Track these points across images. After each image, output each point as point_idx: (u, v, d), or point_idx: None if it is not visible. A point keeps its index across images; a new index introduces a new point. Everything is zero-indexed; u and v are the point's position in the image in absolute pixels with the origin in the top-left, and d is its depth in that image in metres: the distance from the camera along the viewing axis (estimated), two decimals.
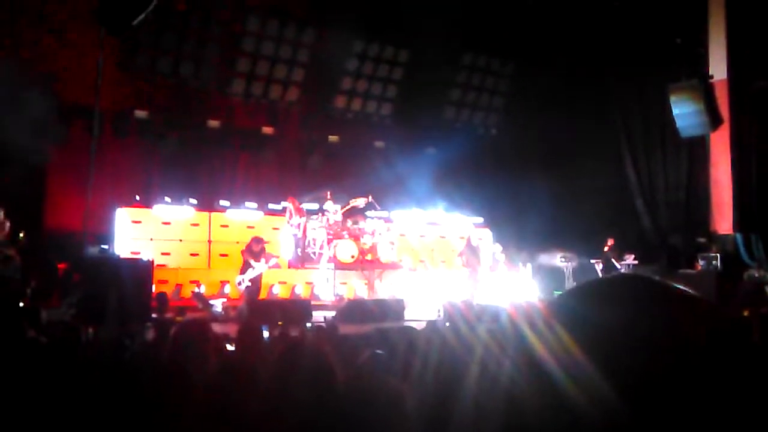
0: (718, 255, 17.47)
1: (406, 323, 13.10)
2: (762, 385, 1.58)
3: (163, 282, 15.01)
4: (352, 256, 16.51)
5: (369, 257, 16.94)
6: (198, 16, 17.74)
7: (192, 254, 17.09)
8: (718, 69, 18.68)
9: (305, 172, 19.70)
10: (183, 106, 18.32)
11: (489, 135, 22.82)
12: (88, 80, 15.00)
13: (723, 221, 18.79)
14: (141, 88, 17.82)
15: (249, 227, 17.47)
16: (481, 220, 20.66)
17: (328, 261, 16.46)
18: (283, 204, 17.77)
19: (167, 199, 16.97)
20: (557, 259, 19.53)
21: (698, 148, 19.70)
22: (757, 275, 16.66)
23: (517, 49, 20.94)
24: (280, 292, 16.39)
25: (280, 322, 7.03)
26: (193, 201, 17.34)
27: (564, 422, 3.18)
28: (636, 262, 18.37)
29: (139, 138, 17.73)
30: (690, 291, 1.29)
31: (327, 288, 16.61)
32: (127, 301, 10.49)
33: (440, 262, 19.57)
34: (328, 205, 17.39)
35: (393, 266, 17.51)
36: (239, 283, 14.40)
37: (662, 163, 20.79)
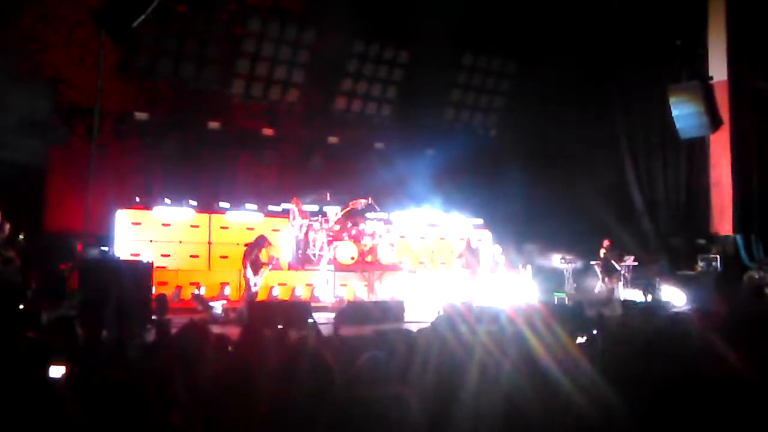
0: (718, 256, 17.48)
1: (406, 325, 13.12)
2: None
3: (163, 284, 15.02)
4: (352, 258, 16.50)
5: (369, 259, 16.94)
6: (198, 18, 17.74)
7: (192, 256, 17.09)
8: (718, 70, 18.69)
9: (305, 174, 19.68)
10: (183, 107, 18.33)
11: (489, 136, 22.82)
12: (88, 82, 15.03)
13: (723, 222, 18.80)
14: (141, 89, 17.84)
15: (249, 229, 17.46)
16: (480, 221, 20.66)
17: (328, 263, 16.45)
18: (286, 206, 17.76)
19: (167, 200, 16.97)
20: (557, 261, 19.53)
21: (698, 149, 19.71)
22: (757, 276, 16.66)
23: (518, 50, 20.96)
24: (280, 293, 16.40)
25: (280, 326, 7.00)
26: (193, 202, 17.33)
27: (564, 422, 3.20)
28: (636, 263, 18.36)
29: (139, 139, 17.75)
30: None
31: (327, 290, 16.61)
32: (127, 303, 10.49)
33: (440, 263, 19.57)
34: (328, 206, 17.40)
35: (393, 268, 17.50)
36: (255, 284, 14.40)
37: (662, 164, 20.79)
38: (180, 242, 17.02)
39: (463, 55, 21.59)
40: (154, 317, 11.36)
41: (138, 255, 15.45)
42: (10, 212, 13.10)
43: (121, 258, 14.11)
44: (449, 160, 20.13)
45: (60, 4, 16.23)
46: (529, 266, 18.76)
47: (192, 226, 17.31)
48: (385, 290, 17.17)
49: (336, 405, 2.68)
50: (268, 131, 19.59)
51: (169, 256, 16.60)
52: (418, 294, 17.23)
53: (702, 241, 18.67)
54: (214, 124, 18.75)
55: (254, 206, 18.04)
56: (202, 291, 15.34)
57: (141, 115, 17.81)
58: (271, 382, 3.34)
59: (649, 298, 16.88)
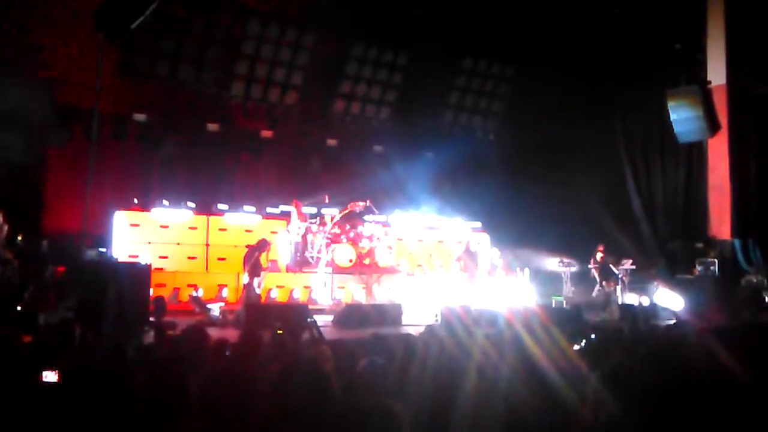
0: (716, 260, 17.49)
1: (404, 328, 13.13)
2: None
3: (161, 286, 14.99)
4: (350, 261, 16.50)
5: (367, 261, 16.93)
6: (197, 20, 17.74)
7: (190, 258, 17.07)
8: (716, 74, 18.72)
9: (304, 176, 19.69)
10: (182, 109, 18.34)
11: (487, 139, 22.84)
12: (87, 84, 15.02)
13: (721, 227, 18.82)
14: (140, 91, 17.84)
15: (247, 231, 17.46)
16: (479, 224, 20.67)
17: (326, 265, 16.45)
18: (286, 208, 17.76)
19: (165, 202, 16.95)
20: (555, 264, 19.55)
21: (697, 153, 19.73)
22: (755, 280, 16.68)
23: (517, 54, 20.96)
24: (277, 296, 16.39)
25: (279, 331, 6.98)
26: (192, 204, 17.32)
27: (561, 425, 3.19)
28: (634, 267, 18.38)
29: (137, 141, 17.75)
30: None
31: (325, 292, 16.60)
32: (124, 305, 10.48)
33: (438, 266, 19.56)
34: (327, 209, 17.41)
35: (391, 270, 17.50)
36: (259, 285, 14.39)
37: (661, 168, 20.82)
38: (178, 244, 17.00)
39: (462, 59, 21.61)
40: (152, 319, 11.35)
41: (136, 256, 15.44)
42: (9, 214, 13.09)
43: (119, 259, 14.10)
44: (448, 163, 20.16)
45: (59, 5, 16.22)
46: (526, 269, 18.79)
47: (190, 227, 17.30)
48: (383, 293, 17.16)
49: (333, 414, 2.67)
50: (266, 133, 19.59)
51: (167, 257, 16.59)
52: (416, 297, 17.23)
53: (700, 245, 18.69)
54: (212, 126, 18.74)
55: (252, 208, 18.03)
56: (200, 293, 15.32)
57: (139, 117, 17.80)
58: (267, 388, 3.33)
59: (647, 302, 16.89)
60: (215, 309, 13.73)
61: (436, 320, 13.29)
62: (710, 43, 18.95)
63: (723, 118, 18.61)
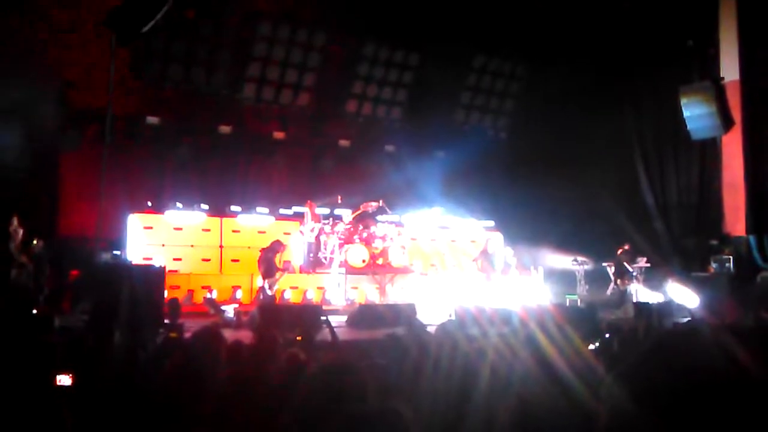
0: (731, 257, 17.39)
1: (417, 327, 13.09)
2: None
3: (175, 288, 15.05)
4: (364, 261, 16.51)
5: (380, 261, 16.94)
6: (208, 22, 17.79)
7: (204, 260, 17.13)
8: (729, 70, 18.60)
9: (316, 177, 19.72)
10: (194, 111, 18.39)
11: (500, 138, 22.78)
12: (100, 87, 15.09)
13: (736, 223, 18.70)
14: (153, 94, 17.90)
15: (260, 232, 17.50)
16: (492, 223, 20.63)
17: (340, 266, 16.47)
18: (299, 209, 17.80)
19: (179, 204, 17.02)
20: (569, 263, 19.48)
21: (711, 150, 19.62)
22: None
23: (528, 52, 20.91)
24: (291, 297, 16.42)
25: (299, 337, 6.98)
26: (205, 206, 17.39)
27: (576, 425, 3.16)
28: (648, 265, 18.29)
29: (150, 144, 17.79)
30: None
31: (338, 293, 16.62)
32: (139, 307, 10.51)
33: (451, 265, 19.55)
34: (339, 209, 17.44)
35: (404, 270, 17.49)
36: (270, 287, 14.42)
37: (674, 165, 20.71)
38: (192, 246, 17.07)
39: (473, 58, 21.57)
40: (166, 321, 11.38)
41: (150, 259, 15.51)
42: (24, 218, 13.18)
43: (134, 262, 14.16)
44: (460, 163, 20.12)
45: (72, 9, 16.29)
46: (540, 268, 18.74)
47: (204, 229, 17.36)
48: (396, 293, 17.17)
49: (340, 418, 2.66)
50: (279, 135, 19.63)
51: (181, 260, 16.66)
52: (430, 296, 17.21)
53: (715, 242, 18.58)
54: (225, 128, 18.79)
55: (265, 210, 18.08)
56: (214, 295, 15.37)
57: (152, 120, 17.86)
58: (279, 393, 3.34)
59: (662, 300, 16.81)
60: (229, 310, 13.77)
61: (450, 320, 13.28)
62: (723, 39, 18.82)
63: (737, 114, 18.48)
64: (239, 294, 15.97)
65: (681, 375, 1.82)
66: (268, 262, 14.63)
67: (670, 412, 1.83)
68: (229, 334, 7.19)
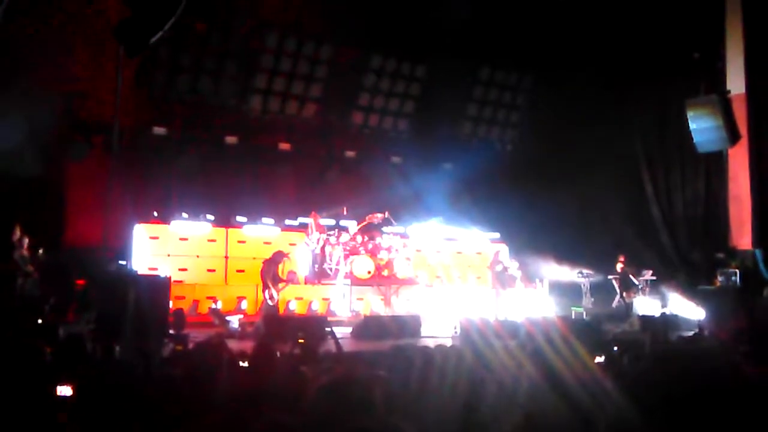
0: (738, 271, 17.31)
1: (423, 340, 13.10)
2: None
3: (180, 298, 15.07)
4: (369, 272, 16.49)
5: (385, 273, 16.92)
6: (216, 34, 17.85)
7: (209, 270, 17.14)
8: (736, 84, 18.57)
9: (322, 188, 19.71)
10: (201, 122, 18.44)
11: (506, 150, 22.77)
12: (107, 98, 15.15)
13: (742, 236, 18.62)
14: (160, 104, 17.94)
15: (266, 243, 17.51)
16: (497, 235, 20.61)
17: (345, 277, 16.45)
18: (303, 220, 17.80)
19: (184, 215, 17.04)
20: (574, 275, 19.43)
21: (717, 163, 19.57)
22: None
23: (534, 64, 20.93)
24: (296, 307, 16.41)
25: (301, 340, 6.97)
26: (211, 217, 17.40)
27: None
28: (654, 278, 18.24)
29: (157, 154, 17.82)
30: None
31: (343, 304, 16.61)
32: (144, 318, 10.51)
33: (457, 277, 19.51)
34: (345, 220, 17.44)
35: (409, 282, 17.47)
36: (271, 297, 14.41)
37: (680, 178, 20.66)
38: (197, 256, 17.08)
39: (479, 70, 21.59)
40: (171, 331, 11.39)
41: (156, 269, 15.52)
42: (30, 227, 13.22)
43: (139, 272, 14.16)
44: (466, 175, 20.11)
45: (79, 20, 16.37)
46: (545, 280, 18.70)
47: (209, 240, 17.38)
48: (401, 305, 17.14)
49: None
50: (285, 146, 19.65)
51: (186, 270, 16.67)
52: (435, 308, 17.20)
53: (721, 256, 18.50)
54: (231, 139, 18.82)
55: (271, 220, 18.08)
56: (219, 305, 15.37)
57: (159, 130, 17.91)
58: (282, 405, 3.33)
59: (668, 313, 16.76)
60: (234, 321, 13.77)
61: (456, 332, 13.27)
62: (729, 52, 18.80)
63: (743, 127, 18.43)
64: (244, 305, 15.97)
65: (686, 389, 1.81)
66: (271, 272, 14.62)
67: (675, 426, 1.83)
68: (233, 345, 7.18)
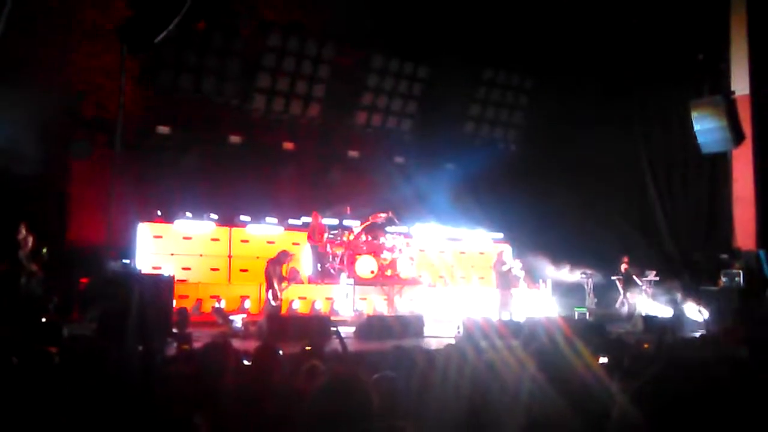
0: (741, 271, 17.29)
1: (426, 340, 13.11)
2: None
3: (184, 297, 15.08)
4: (372, 272, 16.48)
5: (389, 273, 16.91)
6: (220, 33, 17.86)
7: (212, 269, 17.15)
8: (740, 84, 18.56)
9: (325, 188, 19.71)
10: (204, 121, 18.45)
11: (509, 150, 22.76)
12: (111, 96, 15.16)
13: (746, 237, 18.61)
14: (163, 104, 17.95)
15: (269, 242, 17.52)
16: (501, 235, 20.60)
17: (348, 276, 16.45)
18: (306, 219, 17.82)
19: (188, 214, 17.05)
20: (578, 276, 19.42)
21: (721, 164, 19.55)
22: None
23: (537, 65, 20.91)
24: (300, 307, 16.42)
25: (308, 347, 6.96)
26: (214, 216, 17.41)
27: None
28: (657, 278, 18.23)
29: (160, 153, 17.83)
30: None
31: (346, 303, 16.61)
32: (148, 317, 10.51)
33: (460, 277, 19.52)
34: (348, 220, 17.45)
35: (412, 282, 17.46)
36: (275, 296, 14.43)
37: (684, 178, 20.65)
38: (201, 255, 17.10)
39: (482, 70, 21.59)
40: (175, 331, 11.40)
41: (159, 268, 15.54)
42: (33, 226, 13.23)
43: (143, 271, 14.18)
44: (469, 175, 20.12)
45: (84, 18, 16.39)
46: (549, 280, 18.69)
47: (212, 239, 17.40)
48: (404, 304, 17.14)
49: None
50: (288, 145, 19.66)
51: (190, 269, 16.69)
52: (438, 308, 17.19)
53: (725, 256, 18.48)
54: (235, 138, 18.85)
55: (274, 220, 18.10)
56: (223, 304, 15.39)
57: (163, 129, 17.93)
58: (284, 407, 3.33)
59: (672, 313, 16.75)
60: (238, 320, 13.78)
61: (459, 332, 13.27)
62: (734, 54, 18.79)
63: (747, 128, 18.42)
64: (247, 304, 15.98)
65: (690, 391, 1.81)
66: (275, 272, 14.64)
67: (679, 428, 1.83)
68: (237, 344, 7.19)
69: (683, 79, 19.45)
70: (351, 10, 17.69)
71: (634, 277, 17.92)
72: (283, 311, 15.09)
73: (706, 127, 18.36)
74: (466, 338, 11.63)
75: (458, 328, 13.59)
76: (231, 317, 14.01)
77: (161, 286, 12.14)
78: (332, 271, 16.67)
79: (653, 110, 21.06)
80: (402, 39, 19.33)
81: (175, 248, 16.83)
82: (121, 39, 12.51)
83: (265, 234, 17.89)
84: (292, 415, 3.43)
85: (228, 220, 17.68)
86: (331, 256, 16.76)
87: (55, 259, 13.58)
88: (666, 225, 20.81)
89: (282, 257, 14.86)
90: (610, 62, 19.64)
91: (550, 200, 19.34)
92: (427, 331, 14.29)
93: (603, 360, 5.60)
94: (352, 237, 16.93)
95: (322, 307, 16.75)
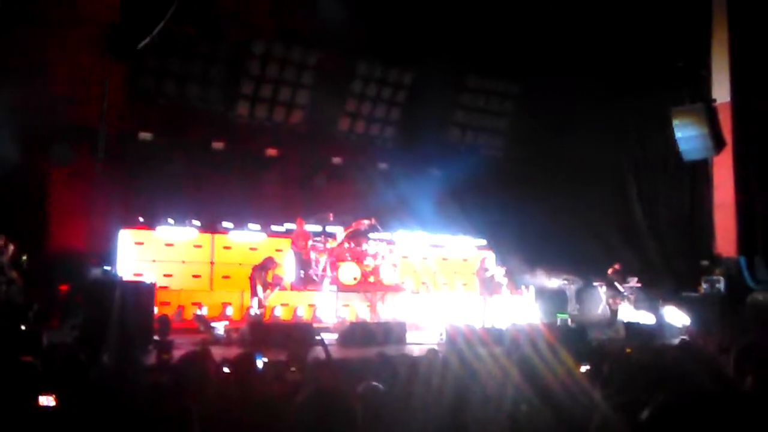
0: (722, 278, 17.42)
1: (408, 346, 13.10)
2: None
3: (165, 304, 15.02)
4: (355, 278, 16.46)
5: (371, 279, 16.89)
6: (203, 40, 17.81)
7: (194, 276, 17.09)
8: (721, 92, 18.70)
9: (309, 194, 19.64)
10: (188, 128, 18.36)
11: (494, 156, 22.78)
12: (93, 102, 15.08)
13: (726, 244, 18.75)
14: (146, 110, 17.85)
15: (252, 249, 17.47)
16: (484, 242, 20.63)
17: (331, 283, 16.42)
18: (289, 226, 17.78)
19: (170, 220, 16.98)
20: (560, 282, 19.48)
21: (702, 171, 19.68)
22: (761, 298, 16.59)
23: (522, 72, 20.95)
24: (282, 314, 16.37)
25: (293, 369, 6.92)
26: (197, 222, 17.35)
27: None
28: (639, 285, 18.30)
29: (143, 159, 17.73)
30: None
31: (329, 310, 16.58)
32: (129, 324, 10.47)
33: (442, 284, 19.53)
34: (331, 227, 17.42)
35: (395, 288, 17.45)
36: (261, 305, 14.39)
37: (666, 186, 20.76)
38: (183, 262, 17.04)
39: (466, 77, 21.63)
40: (156, 338, 11.34)
41: (141, 275, 15.46)
42: (13, 232, 13.12)
43: (124, 278, 14.10)
44: (453, 181, 20.10)
45: (66, 23, 16.28)
46: (531, 287, 18.73)
47: (195, 246, 17.33)
48: (387, 311, 17.13)
49: None
50: (272, 152, 19.61)
51: (171, 276, 16.62)
52: (421, 315, 17.20)
53: (706, 263, 18.61)
54: (218, 145, 18.78)
55: (257, 226, 18.05)
56: (204, 311, 15.32)
57: (145, 136, 17.84)
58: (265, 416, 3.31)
59: (653, 320, 16.82)
60: (219, 327, 13.71)
61: (441, 339, 13.27)
62: (714, 61, 18.95)
63: (728, 135, 18.53)
64: (229, 311, 15.92)
65: (673, 396, 1.81)
66: (260, 279, 14.61)
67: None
68: (218, 352, 7.15)
69: (665, 86, 19.56)
70: (335, 16, 17.69)
71: (616, 283, 17.99)
72: (267, 318, 15.06)
73: (687, 135, 18.43)
74: (449, 345, 11.64)
75: (441, 334, 13.60)
76: (213, 324, 13.94)
77: (142, 293, 12.09)
78: (315, 277, 16.62)
79: (635, 117, 21.16)
80: (386, 46, 19.33)
81: (157, 255, 16.76)
82: (105, 45, 12.48)
83: (247, 240, 17.83)
84: (273, 426, 3.42)
85: (210, 227, 17.62)
86: (314, 263, 16.73)
87: (35, 266, 13.47)
88: (648, 231, 20.91)
89: (267, 263, 14.85)
90: (593, 70, 19.71)
91: (533, 207, 19.37)
92: (409, 338, 14.29)
93: (585, 368, 5.61)
94: (335, 244, 16.91)
95: (304, 313, 16.72)
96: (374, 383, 4.07)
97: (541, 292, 18.90)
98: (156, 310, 12.78)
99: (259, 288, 14.57)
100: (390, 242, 18.55)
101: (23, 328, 10.73)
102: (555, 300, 18.96)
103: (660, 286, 18.67)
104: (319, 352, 9.71)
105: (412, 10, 18.17)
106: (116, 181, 16.35)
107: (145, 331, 11.34)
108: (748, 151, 18.85)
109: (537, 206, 19.31)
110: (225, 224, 17.82)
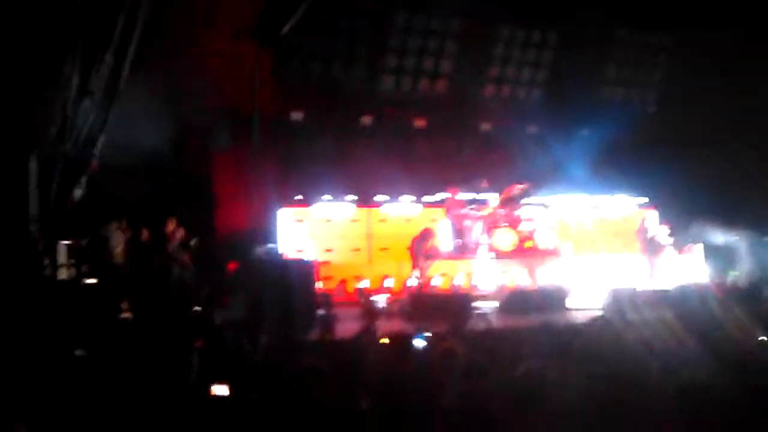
0: None
1: (570, 312, 12.87)
2: None
3: (327, 279, 15.40)
4: (511, 245, 16.29)
5: (528, 245, 16.66)
6: (344, 17, 18.03)
7: (353, 250, 17.41)
8: None
9: (459, 163, 19.57)
10: (335, 105, 18.68)
11: (648, 111, 21.84)
12: (245, 88, 15.60)
13: None
14: (295, 91, 18.30)
15: (407, 221, 17.61)
16: (645, 200, 19.81)
17: (488, 250, 16.32)
18: (442, 195, 17.79)
19: (327, 197, 17.36)
20: (730, 238, 18.41)
21: None
22: None
23: (674, 21, 19.87)
24: (440, 283, 16.42)
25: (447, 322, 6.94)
26: (352, 197, 17.65)
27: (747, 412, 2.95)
28: None
29: (296, 139, 18.24)
30: None
31: (487, 278, 16.48)
32: (294, 300, 10.81)
33: (602, 246, 18.94)
34: (485, 194, 17.29)
35: (553, 253, 17.12)
36: (422, 275, 14.57)
37: None
38: (341, 237, 17.38)
39: (615, 30, 20.79)
40: (321, 312, 11.61)
41: (302, 251, 15.91)
42: (182, 219, 13.82)
43: (286, 256, 14.55)
44: (607, 140, 19.44)
45: (219, 13, 16.85)
46: (700, 245, 17.84)
47: (352, 220, 17.64)
48: (546, 277, 16.83)
49: None
50: (419, 122, 19.66)
51: (331, 251, 16.99)
52: (581, 279, 16.79)
53: None
54: (366, 119, 19.04)
55: (411, 198, 18.16)
56: (365, 284, 15.61)
57: (296, 116, 18.34)
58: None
59: None
60: (380, 300, 13.93)
61: (605, 303, 12.92)
62: None
63: None
64: (389, 282, 16.13)
65: None
66: (421, 249, 14.78)
67: None
68: (379, 324, 7.25)
69: None
70: None
71: None
72: (426, 289, 15.17)
73: None
74: (614, 310, 11.32)
75: (604, 299, 13.24)
76: (372, 297, 14.17)
77: (306, 270, 12.45)
78: (471, 245, 16.58)
79: None
80: (527, 7, 18.87)
81: (316, 231, 17.17)
82: (252, 32, 12.88)
83: (402, 213, 17.98)
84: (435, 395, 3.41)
85: (365, 201, 17.88)
86: (469, 231, 16.67)
87: (204, 249, 14.13)
88: None
89: (427, 234, 14.99)
90: (748, 16, 18.34)
91: (697, 160, 18.41)
92: (570, 304, 14.00)
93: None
94: (489, 210, 16.79)
95: (462, 282, 16.71)
96: (532, 365, 3.99)
97: (711, 250, 17.95)
98: (320, 284, 13.11)
99: (420, 259, 14.72)
100: (545, 206, 18.21)
101: (197, 309, 11.26)
102: (725, 258, 17.97)
103: None
104: (477, 323, 9.72)
105: None
106: (272, 161, 16.88)
107: (310, 306, 11.65)
108: None
109: (701, 160, 18.34)
110: (379, 198, 18.03)
